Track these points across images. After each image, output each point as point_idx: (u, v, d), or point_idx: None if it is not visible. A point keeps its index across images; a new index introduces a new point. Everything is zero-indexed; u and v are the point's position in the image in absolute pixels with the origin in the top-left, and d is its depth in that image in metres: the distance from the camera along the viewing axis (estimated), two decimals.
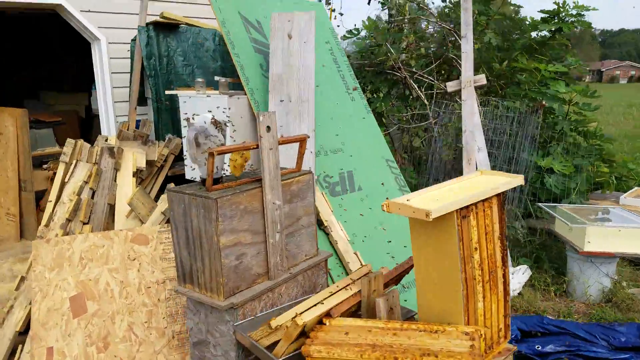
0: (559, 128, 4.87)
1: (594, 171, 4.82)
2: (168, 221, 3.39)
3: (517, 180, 1.73)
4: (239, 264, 2.03)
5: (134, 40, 4.45)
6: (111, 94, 4.90)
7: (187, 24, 4.50)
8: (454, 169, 4.68)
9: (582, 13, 5.23)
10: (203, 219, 1.97)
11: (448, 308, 1.60)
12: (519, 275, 3.89)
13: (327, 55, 4.09)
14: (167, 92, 4.03)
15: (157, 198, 3.81)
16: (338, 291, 1.92)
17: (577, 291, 3.56)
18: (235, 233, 2.01)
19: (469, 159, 4.18)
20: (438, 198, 1.59)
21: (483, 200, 1.58)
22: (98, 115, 5.21)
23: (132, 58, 4.47)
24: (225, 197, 1.95)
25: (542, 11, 5.36)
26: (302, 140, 2.30)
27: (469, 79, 4.44)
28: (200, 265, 2.04)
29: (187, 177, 3.85)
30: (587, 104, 4.88)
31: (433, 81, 5.25)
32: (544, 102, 4.58)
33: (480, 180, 1.77)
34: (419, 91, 5.29)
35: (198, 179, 3.96)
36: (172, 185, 3.71)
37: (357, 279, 1.99)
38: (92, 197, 3.39)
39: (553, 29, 5.28)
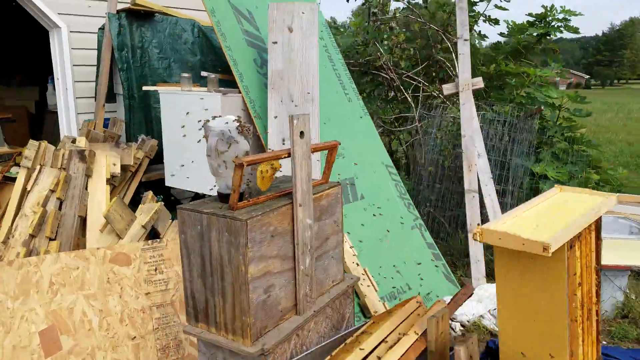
0: (549, 134, 4.76)
1: (584, 178, 4.74)
2: (150, 236, 2.96)
3: (612, 199, 1.48)
4: (267, 298, 1.68)
5: (101, 29, 3.96)
6: (72, 88, 4.36)
7: (163, 12, 4.05)
8: (450, 176, 4.47)
9: (569, 18, 5.16)
10: (227, 245, 1.60)
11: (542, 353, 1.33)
12: None
13: (322, 52, 3.76)
14: (144, 88, 3.58)
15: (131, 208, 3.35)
16: (389, 335, 1.60)
17: None
18: (265, 260, 1.66)
19: (470, 165, 3.97)
20: (538, 224, 1.30)
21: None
22: (51, 111, 4.65)
23: (99, 49, 3.97)
24: (255, 218, 1.59)
25: (529, 14, 5.26)
26: (332, 148, 1.97)
27: (467, 82, 4.23)
28: (219, 300, 1.67)
29: (167, 184, 3.42)
30: (578, 110, 4.80)
31: (422, 83, 5.03)
32: (542, 108, 4.45)
33: (568, 200, 1.51)
34: (406, 93, 5.05)
35: (190, 189, 3.58)
36: (149, 193, 3.28)
37: (407, 317, 1.68)
38: (60, 208, 2.91)
39: (540, 33, 5.18)
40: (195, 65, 4.09)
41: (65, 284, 2.42)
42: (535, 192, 4.53)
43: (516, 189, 4.32)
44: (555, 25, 5.21)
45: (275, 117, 2.97)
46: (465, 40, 4.30)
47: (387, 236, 3.27)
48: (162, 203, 3.01)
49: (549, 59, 5.43)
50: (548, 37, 5.23)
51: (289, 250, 1.77)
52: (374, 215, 3.30)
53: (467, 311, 3.07)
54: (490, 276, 3.66)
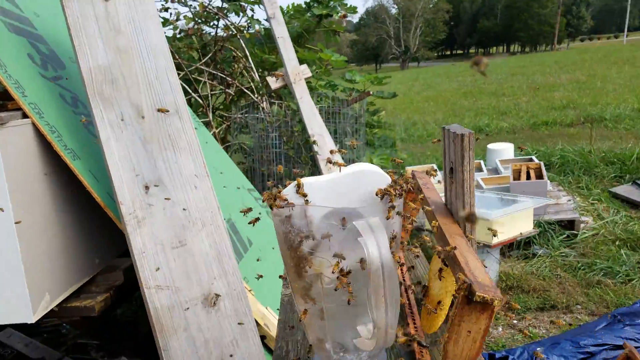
0: (361, 120, 4.48)
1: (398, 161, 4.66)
2: None
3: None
4: None
5: None
6: None
7: None
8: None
9: None
10: None
11: None
12: None
13: None
14: None
15: None
16: None
17: None
18: None
19: (329, 169, 3.29)
20: None
21: None
22: None
23: None
24: None
25: None
26: None
27: (297, 71, 3.52)
28: None
29: None
30: (381, 92, 4.65)
31: (221, 75, 4.08)
32: (369, 92, 4.08)
33: None
34: (195, 94, 4.02)
35: None
36: None
37: None
38: None
39: (322, 14, 4.83)
40: None
41: None
42: None
43: None
44: (332, 6, 4.92)
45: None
46: (278, 20, 3.56)
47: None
48: None
49: (327, 40, 5.15)
50: (330, 18, 4.93)
51: None
52: (257, 260, 2.31)
53: None
54: None
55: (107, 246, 1.98)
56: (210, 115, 4.38)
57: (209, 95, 4.33)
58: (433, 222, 0.74)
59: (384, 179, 0.69)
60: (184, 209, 1.65)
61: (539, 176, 3.91)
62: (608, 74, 13.55)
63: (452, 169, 0.79)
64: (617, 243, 3.42)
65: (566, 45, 55.10)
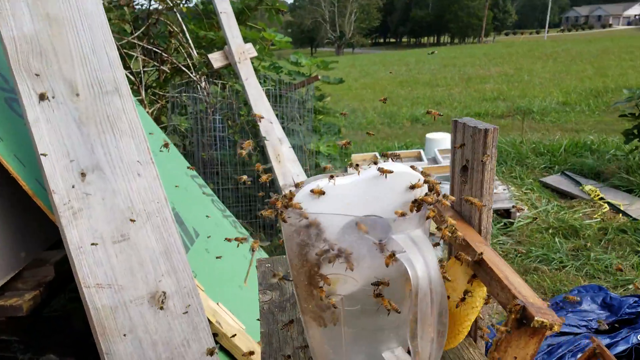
0: (307, 106, 4.38)
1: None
2: None
3: None
4: None
5: None
6: None
7: None
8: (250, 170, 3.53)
9: None
10: None
11: None
12: None
13: None
14: None
15: None
16: None
17: None
18: None
19: (277, 155, 3.18)
20: None
21: None
22: None
23: None
24: None
25: None
26: None
27: (242, 50, 3.36)
28: None
29: None
30: (327, 77, 4.56)
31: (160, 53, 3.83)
32: (318, 76, 3.97)
33: None
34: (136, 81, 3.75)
35: None
36: None
37: None
38: None
39: None
40: None
41: None
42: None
43: (312, 172, 3.78)
44: None
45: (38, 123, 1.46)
46: None
47: (238, 277, 2.21)
48: None
49: (270, 19, 4.98)
50: None
51: None
52: (217, 257, 2.18)
53: None
54: None
55: (35, 237, 1.77)
56: (143, 93, 4.11)
57: (142, 71, 4.06)
58: (446, 228, 0.65)
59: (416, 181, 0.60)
60: (126, 200, 1.48)
61: None
62: (534, 68, 14.28)
63: (465, 167, 0.71)
64: (550, 231, 3.58)
65: (492, 39, 57.63)
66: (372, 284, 0.54)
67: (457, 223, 0.64)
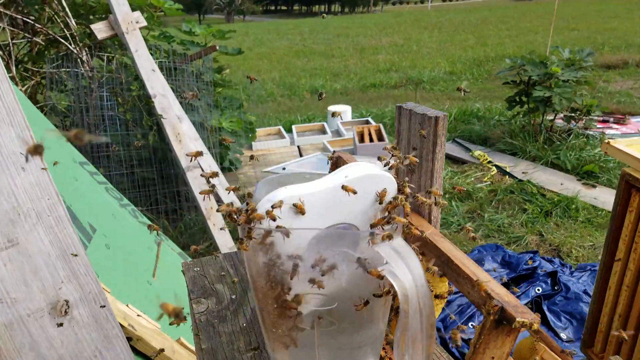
0: (205, 79, 4.17)
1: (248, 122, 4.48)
2: None
3: None
4: None
5: None
6: None
7: None
8: (147, 156, 3.26)
9: None
10: None
11: None
12: None
13: None
14: None
15: None
16: None
17: None
18: None
19: (177, 134, 2.99)
20: None
21: None
22: None
23: None
24: None
25: None
26: None
27: (130, 19, 3.08)
28: None
29: None
30: (224, 47, 4.35)
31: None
32: (216, 46, 3.75)
33: None
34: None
35: None
36: None
37: None
38: None
39: None
40: None
41: None
42: (226, 148, 3.98)
43: (217, 150, 3.61)
44: None
45: None
46: None
47: (146, 272, 2.06)
48: None
49: None
50: None
51: None
52: (124, 260, 2.01)
53: None
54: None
55: None
56: (14, 69, 3.64)
57: (10, 44, 3.57)
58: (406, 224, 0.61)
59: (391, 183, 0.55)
60: (10, 199, 1.27)
61: (380, 138, 4.11)
62: (421, 38, 14.92)
63: (414, 156, 0.67)
64: (447, 196, 3.79)
65: (380, 8, 59.30)
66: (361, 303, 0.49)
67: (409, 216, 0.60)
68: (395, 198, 0.53)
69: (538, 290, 2.27)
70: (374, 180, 0.54)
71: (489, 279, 0.52)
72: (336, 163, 0.74)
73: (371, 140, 4.12)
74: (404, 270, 0.48)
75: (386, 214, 0.52)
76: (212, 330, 0.77)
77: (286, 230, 0.46)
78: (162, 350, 1.50)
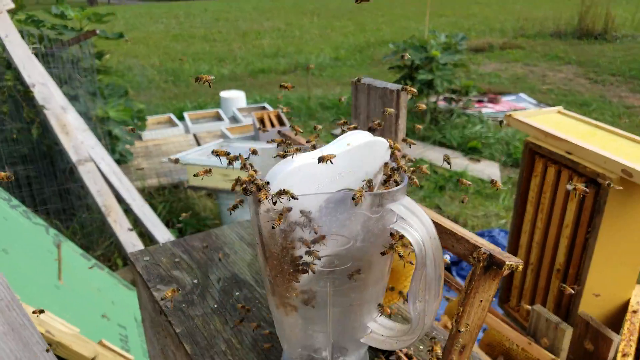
0: (84, 65, 3.85)
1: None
2: None
3: None
4: None
5: None
6: None
7: None
8: (27, 153, 2.93)
9: None
10: None
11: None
12: None
13: None
14: None
15: None
16: None
17: None
18: None
19: (63, 125, 2.75)
20: None
21: None
22: None
23: None
24: None
25: None
26: None
27: None
28: None
29: None
30: (104, 32, 4.03)
31: None
32: (95, 31, 3.45)
33: None
34: None
35: None
36: None
37: None
38: None
39: None
40: None
41: None
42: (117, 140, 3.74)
43: (105, 142, 3.36)
44: None
45: None
46: None
47: (50, 275, 1.90)
48: None
49: None
50: None
51: None
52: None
53: None
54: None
55: None
56: None
57: None
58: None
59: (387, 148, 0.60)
60: None
61: (281, 123, 4.13)
62: (302, 24, 15.07)
63: (372, 130, 0.70)
64: None
65: None
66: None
67: None
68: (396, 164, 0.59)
69: (446, 258, 2.48)
70: (374, 146, 0.58)
71: (469, 234, 0.58)
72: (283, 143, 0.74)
73: (272, 125, 4.12)
74: (418, 224, 0.52)
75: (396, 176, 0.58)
76: (182, 314, 0.75)
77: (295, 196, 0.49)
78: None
